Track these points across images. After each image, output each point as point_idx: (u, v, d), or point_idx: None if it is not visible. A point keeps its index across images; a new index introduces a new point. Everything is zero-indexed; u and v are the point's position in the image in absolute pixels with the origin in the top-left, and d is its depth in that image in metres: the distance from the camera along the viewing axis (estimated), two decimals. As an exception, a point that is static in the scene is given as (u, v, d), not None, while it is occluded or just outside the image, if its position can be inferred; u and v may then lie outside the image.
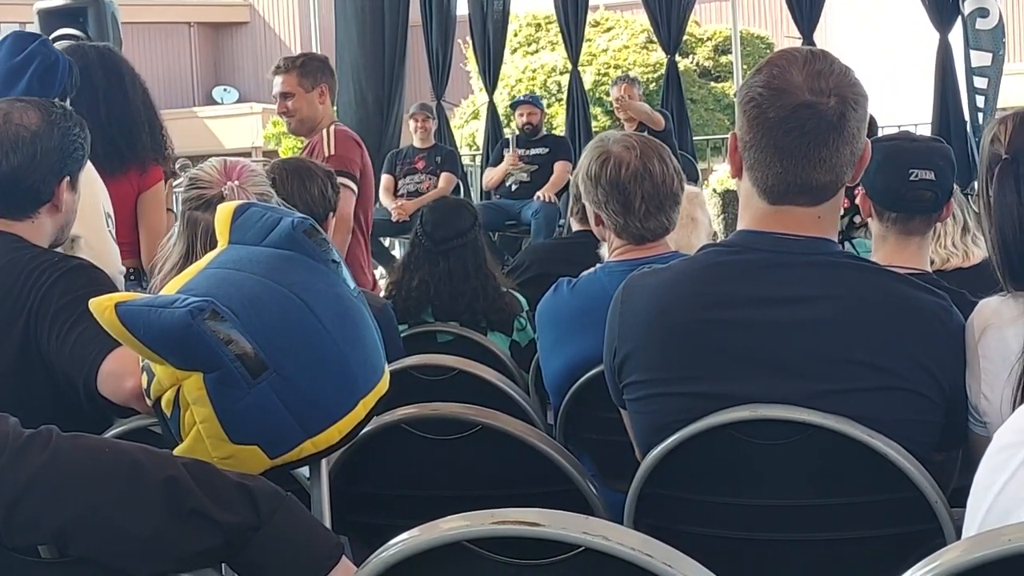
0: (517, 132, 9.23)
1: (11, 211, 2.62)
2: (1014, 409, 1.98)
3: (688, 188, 3.35)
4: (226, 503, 1.57)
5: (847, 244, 4.32)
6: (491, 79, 10.96)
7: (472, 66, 12.77)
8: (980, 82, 8.51)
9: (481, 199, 10.02)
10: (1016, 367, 2.03)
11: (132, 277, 4.11)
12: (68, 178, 2.66)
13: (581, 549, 1.37)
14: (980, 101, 8.50)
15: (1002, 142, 2.09)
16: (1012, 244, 2.06)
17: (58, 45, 4.68)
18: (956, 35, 8.60)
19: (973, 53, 8.50)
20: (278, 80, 5.18)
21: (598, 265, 3.10)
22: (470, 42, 11.15)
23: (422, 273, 4.00)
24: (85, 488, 1.54)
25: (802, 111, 2.08)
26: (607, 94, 17.67)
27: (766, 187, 2.16)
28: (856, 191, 2.96)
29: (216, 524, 1.56)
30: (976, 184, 2.24)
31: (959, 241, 3.47)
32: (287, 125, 5.34)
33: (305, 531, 1.63)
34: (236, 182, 2.68)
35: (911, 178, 2.88)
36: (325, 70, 5.28)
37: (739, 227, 2.25)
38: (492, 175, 9.35)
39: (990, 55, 8.49)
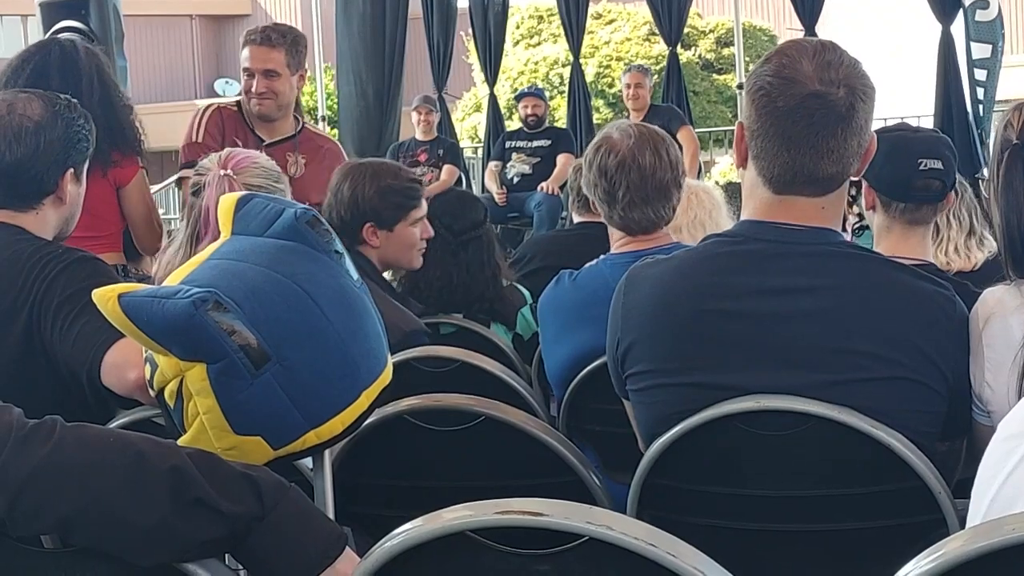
0: (507, 174, 9.23)
1: (15, 202, 2.62)
2: (1019, 398, 1.98)
3: (699, 183, 3.33)
4: (230, 493, 1.58)
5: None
6: (492, 71, 10.96)
7: (474, 58, 12.76)
8: (980, 74, 8.50)
9: (483, 192, 10.03)
10: (1019, 356, 2.02)
11: (120, 272, 4.15)
12: (72, 170, 2.66)
13: (585, 539, 1.37)
14: (980, 93, 8.50)
15: (1014, 127, 2.08)
16: (1017, 229, 2.06)
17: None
18: (958, 27, 8.59)
19: (974, 45, 8.49)
20: (261, 53, 4.46)
21: (600, 257, 3.10)
22: (472, 34, 11.16)
23: (444, 266, 4.00)
24: (89, 478, 1.54)
25: (811, 101, 2.08)
26: (609, 86, 17.71)
27: (772, 176, 2.15)
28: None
29: (220, 514, 1.56)
30: (985, 172, 2.24)
31: (962, 246, 3.47)
32: (254, 107, 4.50)
33: (308, 521, 1.63)
34: (226, 171, 2.68)
35: (921, 168, 2.88)
36: (305, 53, 4.67)
37: (743, 217, 2.25)
38: (488, 180, 9.40)
39: (990, 47, 8.48)
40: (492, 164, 9.51)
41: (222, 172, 2.68)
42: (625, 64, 16.39)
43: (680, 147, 8.06)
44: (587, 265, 3.08)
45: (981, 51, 8.46)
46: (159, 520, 1.53)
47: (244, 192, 2.07)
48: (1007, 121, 2.10)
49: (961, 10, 8.47)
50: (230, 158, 2.75)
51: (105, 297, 1.75)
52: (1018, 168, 2.05)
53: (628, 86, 9.05)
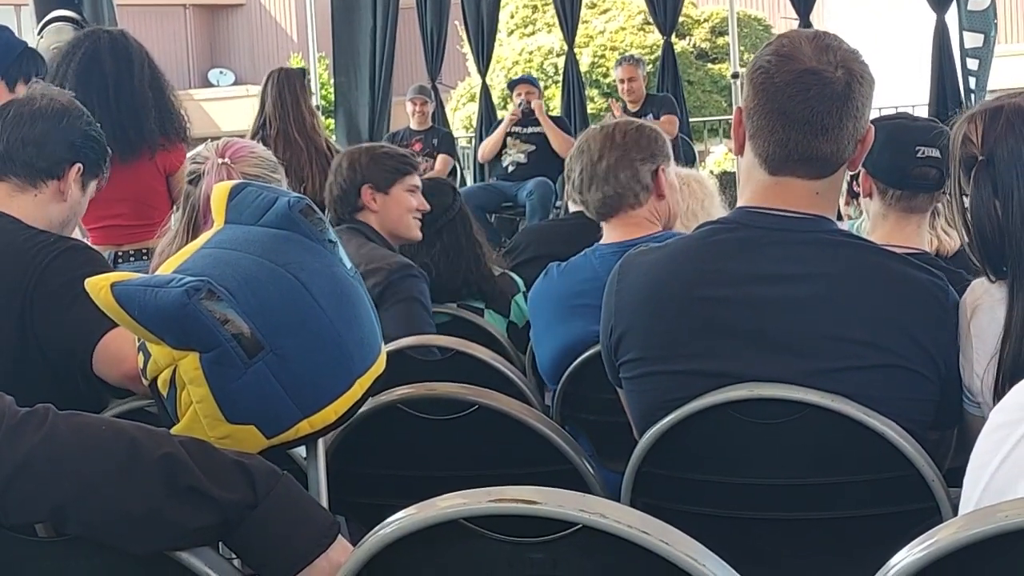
0: (523, 101, 9.20)
1: (23, 172, 2.65)
2: (995, 393, 1.99)
3: (692, 172, 3.35)
4: (223, 481, 1.57)
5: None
6: (484, 61, 10.94)
7: (468, 48, 12.73)
8: (972, 63, 8.52)
9: (476, 180, 10.02)
10: (996, 355, 2.03)
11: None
12: (80, 167, 2.70)
13: (578, 527, 1.37)
14: (972, 82, 8.51)
15: (975, 143, 2.08)
16: (991, 242, 2.07)
17: (60, 29, 4.83)
18: (952, 16, 8.60)
19: (966, 34, 8.50)
20: None
21: (587, 248, 3.11)
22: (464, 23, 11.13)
23: (421, 257, 3.98)
24: (81, 466, 1.54)
25: (808, 76, 2.09)
26: (604, 76, 17.67)
27: (767, 155, 2.15)
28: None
29: (213, 501, 1.55)
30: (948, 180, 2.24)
31: (928, 229, 3.45)
32: None
33: (302, 509, 1.63)
34: (224, 160, 2.68)
35: (918, 155, 2.88)
36: None
37: (738, 203, 2.25)
38: (488, 143, 9.33)
39: (982, 36, 8.50)
40: (485, 142, 9.51)
41: (220, 160, 2.68)
42: (619, 54, 16.37)
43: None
44: (575, 256, 3.09)
45: (974, 40, 8.47)
46: (151, 508, 1.53)
47: (238, 181, 2.07)
48: (964, 135, 2.10)
49: (955, -1, 8.48)
50: (228, 147, 2.75)
51: (98, 286, 1.74)
52: (986, 183, 2.06)
53: (622, 81, 9.03)
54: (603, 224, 3.11)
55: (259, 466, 1.62)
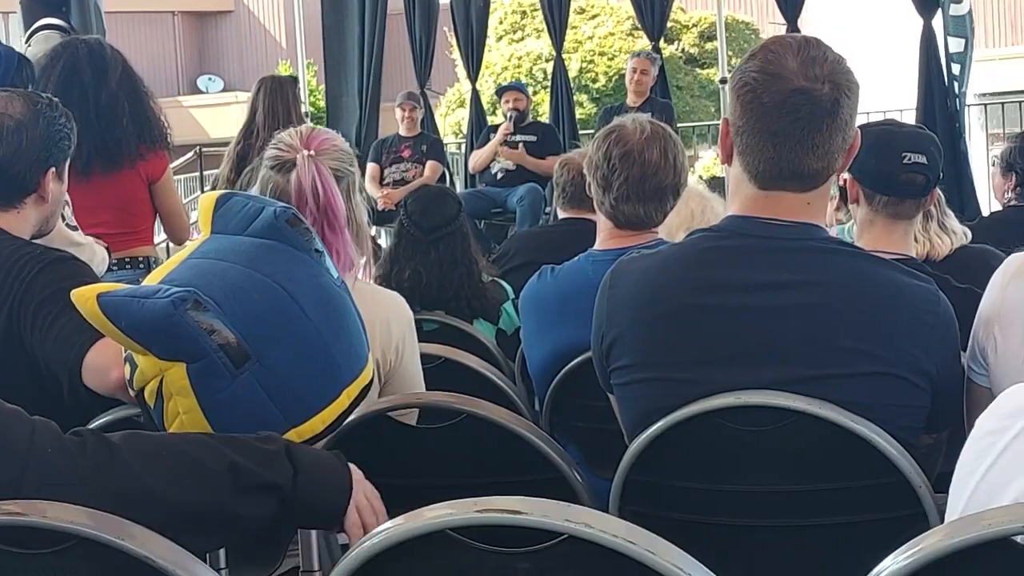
0: (512, 114, 9.16)
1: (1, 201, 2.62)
2: None
3: (692, 185, 3.30)
4: (273, 466, 1.71)
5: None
6: (474, 67, 10.94)
7: (457, 54, 12.73)
8: (954, 68, 8.56)
9: (466, 186, 10.00)
10: None
11: (142, 265, 4.23)
12: (54, 169, 2.66)
13: (564, 536, 1.38)
14: (955, 87, 8.55)
15: None
16: None
17: (47, 38, 4.81)
18: (938, 21, 8.62)
19: (949, 39, 8.54)
20: None
21: (583, 253, 3.10)
22: (454, 30, 11.13)
23: (413, 264, 3.96)
24: (165, 490, 1.63)
25: (797, 96, 2.08)
26: (592, 81, 17.70)
27: (757, 172, 2.15)
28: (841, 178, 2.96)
29: (277, 489, 1.69)
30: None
31: (920, 231, 3.46)
32: None
33: (319, 457, 1.79)
34: (311, 152, 2.57)
35: (904, 161, 2.89)
36: None
37: (729, 212, 2.25)
38: (480, 155, 9.29)
39: (963, 41, 8.54)
40: (476, 153, 9.47)
41: (308, 154, 2.57)
42: (607, 59, 16.38)
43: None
44: (569, 261, 3.08)
45: (956, 45, 8.52)
46: (233, 513, 1.67)
47: (223, 191, 2.07)
48: None
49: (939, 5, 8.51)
50: (312, 138, 2.63)
51: (84, 297, 1.75)
52: None
53: (633, 70, 8.96)
54: (610, 228, 3.04)
55: (277, 440, 1.75)
